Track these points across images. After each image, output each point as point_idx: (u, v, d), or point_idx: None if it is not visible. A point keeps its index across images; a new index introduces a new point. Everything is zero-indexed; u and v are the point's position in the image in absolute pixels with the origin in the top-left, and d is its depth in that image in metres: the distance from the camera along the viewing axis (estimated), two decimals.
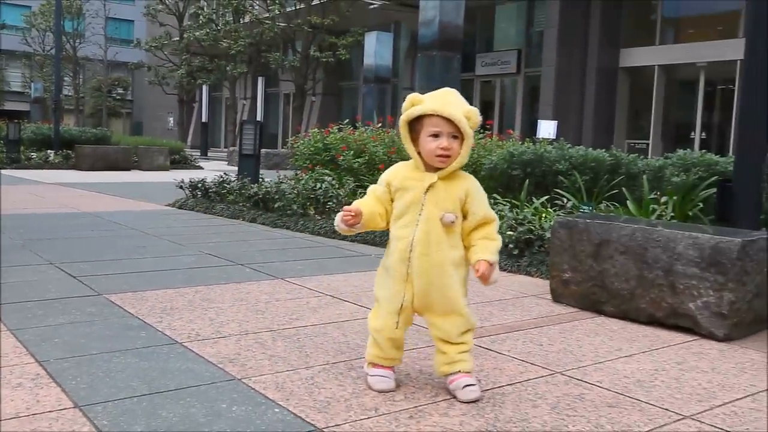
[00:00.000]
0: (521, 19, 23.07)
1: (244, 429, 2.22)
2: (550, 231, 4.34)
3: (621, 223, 3.99)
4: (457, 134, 2.43)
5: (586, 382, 2.83)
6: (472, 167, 7.33)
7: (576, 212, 5.49)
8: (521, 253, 5.23)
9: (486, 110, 22.95)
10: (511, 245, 5.25)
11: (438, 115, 2.41)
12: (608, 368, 3.02)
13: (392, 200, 2.56)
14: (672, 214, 5.39)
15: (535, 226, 5.28)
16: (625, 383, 2.82)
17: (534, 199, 6.28)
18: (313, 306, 3.93)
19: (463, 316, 2.57)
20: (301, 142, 9.79)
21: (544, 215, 5.71)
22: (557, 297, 4.21)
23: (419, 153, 2.51)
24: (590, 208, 5.65)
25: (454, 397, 2.52)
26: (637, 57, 19.03)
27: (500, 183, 6.92)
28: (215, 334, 3.28)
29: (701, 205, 5.43)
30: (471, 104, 2.53)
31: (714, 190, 5.25)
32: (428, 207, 2.47)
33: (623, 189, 6.10)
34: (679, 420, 2.47)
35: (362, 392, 2.59)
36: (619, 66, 19.21)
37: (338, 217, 2.56)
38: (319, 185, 7.56)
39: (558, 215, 5.28)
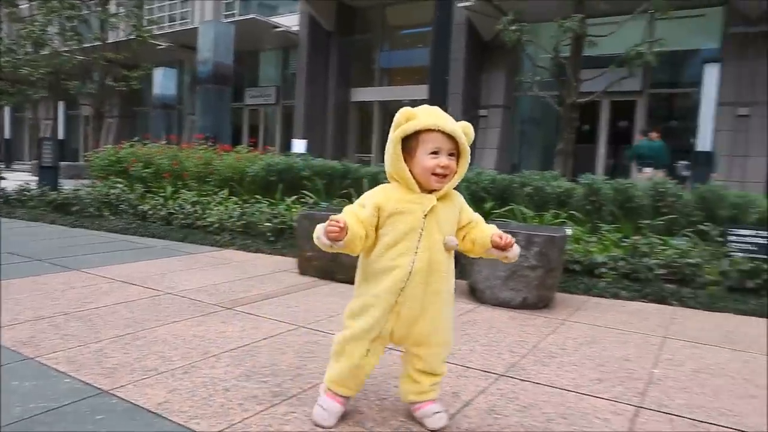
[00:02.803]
0: (279, 63, 22.92)
1: (35, 400, 1.95)
2: (296, 222, 4.37)
3: None
4: (454, 151, 1.74)
5: (322, 331, 2.88)
6: (239, 175, 7.15)
7: (316, 207, 5.60)
8: (276, 239, 5.21)
9: (253, 131, 22.55)
10: (269, 233, 5.21)
11: (438, 131, 1.70)
12: (338, 320, 3.04)
13: (378, 226, 1.76)
14: None
15: (286, 219, 5.29)
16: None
17: (286, 198, 6.29)
18: (105, 290, 3.58)
19: (448, 345, 1.89)
20: (97, 156, 8.88)
21: (293, 210, 5.74)
22: (303, 271, 4.25)
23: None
24: (327, 203, 5.77)
25: (421, 424, 1.87)
26: (362, 94, 19.80)
27: (261, 186, 6.82)
28: (12, 321, 2.85)
29: None
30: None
31: None
32: (428, 232, 1.73)
33: (351, 189, 6.31)
34: (386, 351, 2.59)
35: (145, 356, 2.41)
36: (350, 100, 19.85)
37: (320, 228, 1.69)
38: (112, 191, 6.91)
39: (303, 210, 5.35)
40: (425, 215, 1.73)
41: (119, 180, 7.77)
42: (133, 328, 2.82)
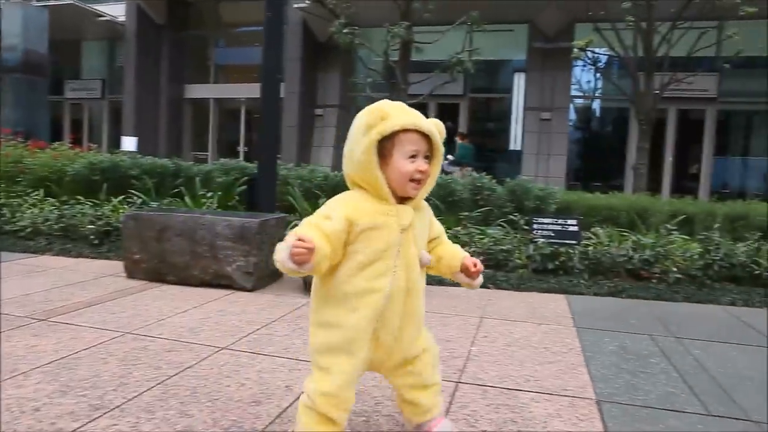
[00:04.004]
0: (104, 54, 21.02)
1: None
2: (122, 223, 4.04)
3: (177, 213, 3.91)
4: (429, 153, 1.51)
5: (150, 336, 2.70)
6: (57, 174, 6.43)
7: (145, 207, 5.22)
8: (101, 242, 4.78)
9: (76, 127, 20.46)
10: (92, 236, 4.76)
11: (415, 131, 1.46)
12: (168, 323, 2.93)
13: (347, 242, 1.47)
14: (216, 204, 5.48)
15: (112, 220, 4.87)
16: (181, 332, 2.77)
17: (112, 199, 5.78)
18: None
19: (434, 349, 1.66)
20: None
21: (120, 211, 5.29)
22: (131, 274, 3.94)
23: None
24: (157, 203, 5.41)
25: None
26: (197, 91, 18.87)
27: (83, 186, 6.20)
28: None
29: (238, 197, 5.60)
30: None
31: (246, 186, 5.48)
32: (406, 248, 1.49)
33: (183, 188, 5.99)
34: (217, 351, 2.51)
35: None
36: (184, 97, 18.84)
37: (282, 250, 1.37)
38: None
39: (130, 210, 4.95)
40: (402, 230, 1.49)
41: None
42: None
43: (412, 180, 1.48)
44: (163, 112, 18.37)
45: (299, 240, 1.36)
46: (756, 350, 2.85)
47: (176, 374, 2.22)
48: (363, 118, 1.47)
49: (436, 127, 1.51)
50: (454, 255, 1.64)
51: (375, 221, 1.46)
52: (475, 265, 1.62)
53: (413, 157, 1.47)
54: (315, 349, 1.52)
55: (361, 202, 1.48)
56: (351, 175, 1.52)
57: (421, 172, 1.48)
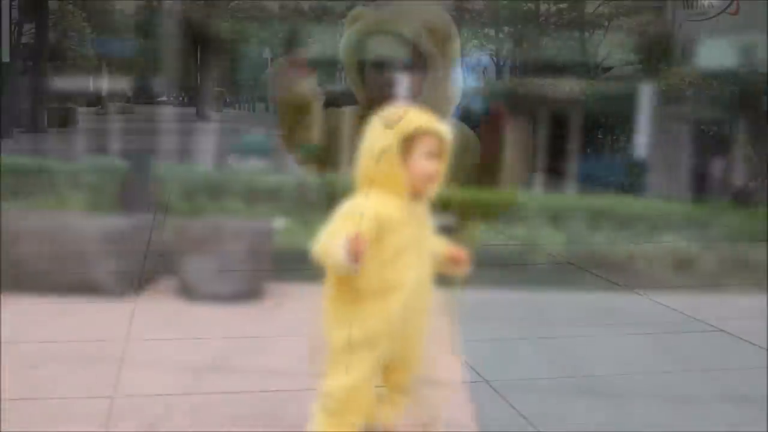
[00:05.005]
0: None
1: None
2: None
3: (36, 215, 3.58)
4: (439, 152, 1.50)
5: None
6: None
7: None
8: None
9: None
10: None
11: (431, 132, 1.45)
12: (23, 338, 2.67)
13: (374, 239, 1.40)
14: (85, 205, 5.10)
15: None
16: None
17: None
18: None
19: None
20: None
21: None
22: None
23: None
24: (13, 205, 4.88)
25: None
26: None
27: None
28: None
29: (110, 197, 5.23)
30: None
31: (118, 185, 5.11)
32: (424, 243, 1.46)
33: (46, 188, 5.47)
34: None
35: None
36: None
37: (340, 248, 1.29)
38: None
39: None
40: (420, 224, 1.48)
41: None
42: None
43: (429, 179, 1.47)
44: None
45: (352, 238, 1.29)
46: (616, 333, 3.11)
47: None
48: (383, 117, 1.45)
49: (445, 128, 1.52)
50: (435, 243, 1.58)
51: (401, 216, 1.44)
52: (460, 255, 1.56)
53: (429, 156, 1.45)
54: (334, 348, 1.43)
55: (383, 199, 1.45)
56: (367, 173, 1.48)
57: (437, 171, 1.46)
